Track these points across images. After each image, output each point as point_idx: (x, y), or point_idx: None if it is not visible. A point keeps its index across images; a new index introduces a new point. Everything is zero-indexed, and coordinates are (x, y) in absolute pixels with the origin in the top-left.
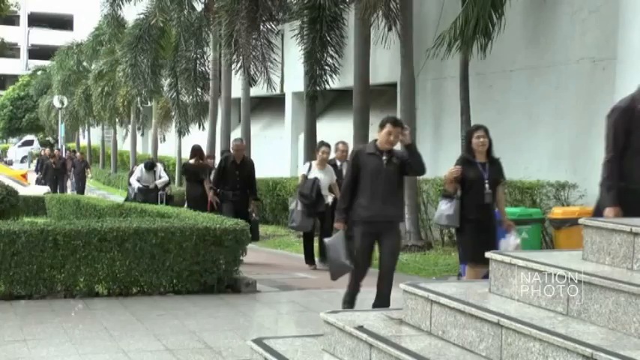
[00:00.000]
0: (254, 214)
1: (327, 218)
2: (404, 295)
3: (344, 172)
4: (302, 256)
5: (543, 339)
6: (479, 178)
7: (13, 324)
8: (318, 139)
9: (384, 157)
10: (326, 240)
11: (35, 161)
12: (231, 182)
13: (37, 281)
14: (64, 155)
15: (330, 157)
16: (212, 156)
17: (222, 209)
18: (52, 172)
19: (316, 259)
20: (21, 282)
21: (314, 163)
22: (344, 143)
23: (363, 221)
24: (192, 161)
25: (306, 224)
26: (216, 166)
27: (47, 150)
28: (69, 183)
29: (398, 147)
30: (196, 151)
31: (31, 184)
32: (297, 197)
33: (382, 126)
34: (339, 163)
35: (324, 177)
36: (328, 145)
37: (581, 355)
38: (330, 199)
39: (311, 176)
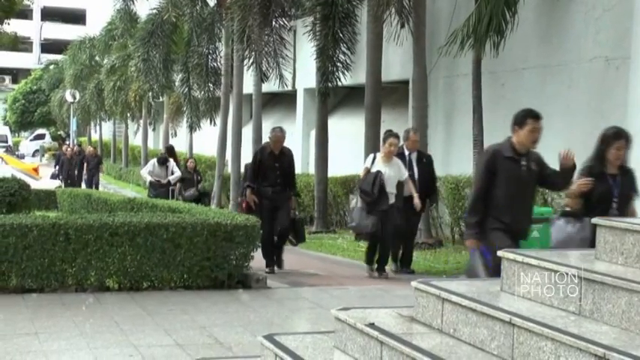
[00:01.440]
0: (296, 212)
1: (390, 218)
2: (415, 292)
3: (414, 163)
4: (356, 261)
5: (555, 338)
6: (607, 194)
7: (25, 317)
8: (330, 135)
9: (523, 163)
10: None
11: (55, 157)
12: (271, 177)
13: (49, 275)
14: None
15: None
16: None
17: (261, 209)
18: (68, 166)
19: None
20: (32, 275)
21: (378, 155)
22: (415, 131)
23: (503, 230)
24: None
25: (365, 224)
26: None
27: (75, 147)
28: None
29: None
30: (169, 149)
31: (43, 177)
32: (358, 193)
33: (520, 123)
34: (407, 152)
35: (389, 171)
36: (397, 136)
37: (594, 354)
38: (392, 197)
39: (374, 170)
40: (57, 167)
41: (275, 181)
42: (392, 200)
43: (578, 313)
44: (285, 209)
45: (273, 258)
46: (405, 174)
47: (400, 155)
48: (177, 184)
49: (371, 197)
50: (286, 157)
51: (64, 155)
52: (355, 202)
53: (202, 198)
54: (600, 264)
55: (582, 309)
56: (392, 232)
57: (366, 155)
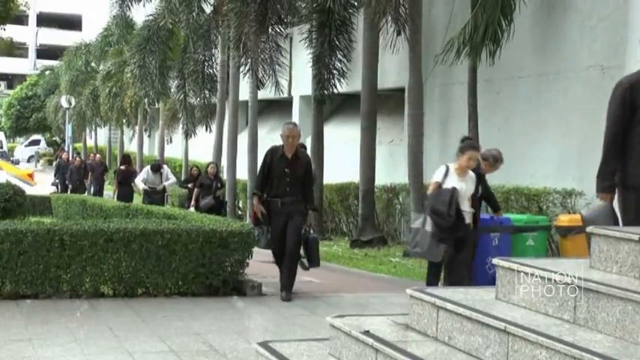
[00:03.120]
0: (311, 230)
1: (466, 245)
2: (410, 300)
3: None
4: (351, 269)
5: (550, 346)
6: None
7: (19, 323)
8: (325, 143)
9: None
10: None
11: (56, 166)
12: (279, 185)
13: (43, 281)
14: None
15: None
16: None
17: (271, 222)
18: (77, 176)
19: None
20: (27, 281)
21: (451, 166)
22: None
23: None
24: (122, 167)
25: (436, 253)
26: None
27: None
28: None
29: None
30: (126, 158)
31: (39, 184)
32: (428, 213)
33: None
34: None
35: (464, 187)
36: (476, 148)
37: None
38: (468, 217)
39: (447, 185)
40: (58, 177)
41: (284, 191)
42: (468, 220)
43: (572, 321)
44: (294, 224)
45: (289, 280)
46: (474, 189)
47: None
48: (196, 190)
49: (446, 221)
50: (301, 162)
51: (72, 164)
52: (422, 222)
53: (219, 207)
54: (595, 272)
55: (577, 317)
56: (467, 260)
57: (362, 163)
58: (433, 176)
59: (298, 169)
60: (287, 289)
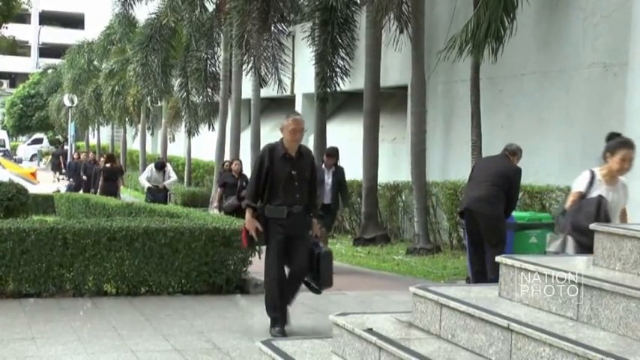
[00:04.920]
0: (320, 244)
1: None
2: (413, 298)
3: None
4: (354, 267)
5: (553, 344)
6: None
7: (22, 322)
8: (328, 141)
9: None
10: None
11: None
12: (285, 191)
13: (46, 280)
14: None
15: None
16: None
17: (267, 240)
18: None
19: None
20: (30, 280)
21: (597, 172)
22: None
23: None
24: (108, 165)
25: None
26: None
27: (91, 154)
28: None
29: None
30: (110, 157)
31: (40, 182)
32: (568, 231)
33: None
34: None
35: (615, 198)
36: (632, 146)
37: None
38: None
39: (594, 194)
40: (72, 179)
41: (292, 198)
42: None
43: (576, 318)
44: (305, 242)
45: (284, 311)
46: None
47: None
48: (219, 190)
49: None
50: (305, 160)
51: (96, 165)
52: (561, 245)
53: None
54: (598, 270)
55: (580, 315)
56: None
57: (365, 161)
58: (574, 184)
59: (305, 170)
60: (282, 322)
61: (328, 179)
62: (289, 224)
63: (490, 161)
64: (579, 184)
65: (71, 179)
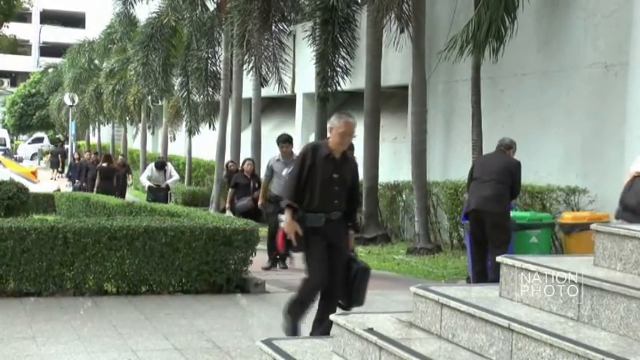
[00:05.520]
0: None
1: None
2: (414, 298)
3: None
4: None
5: (554, 344)
6: None
7: (22, 321)
8: None
9: None
10: None
11: (68, 164)
12: (324, 196)
13: (47, 279)
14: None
15: None
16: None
17: (308, 246)
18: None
19: None
20: (30, 279)
21: None
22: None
23: None
24: (104, 164)
25: None
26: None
27: (93, 155)
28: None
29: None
30: (107, 157)
31: (40, 181)
32: (619, 210)
33: None
34: None
35: None
36: None
37: None
38: None
39: None
40: (78, 180)
41: (331, 204)
42: None
43: (576, 319)
44: (342, 253)
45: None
46: None
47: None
48: (230, 191)
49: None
50: (349, 165)
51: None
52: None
53: (257, 212)
54: (599, 270)
55: (581, 315)
56: None
57: (366, 161)
58: (633, 165)
59: (347, 175)
60: (298, 327)
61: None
62: (327, 232)
63: (489, 159)
64: (637, 164)
65: (77, 180)
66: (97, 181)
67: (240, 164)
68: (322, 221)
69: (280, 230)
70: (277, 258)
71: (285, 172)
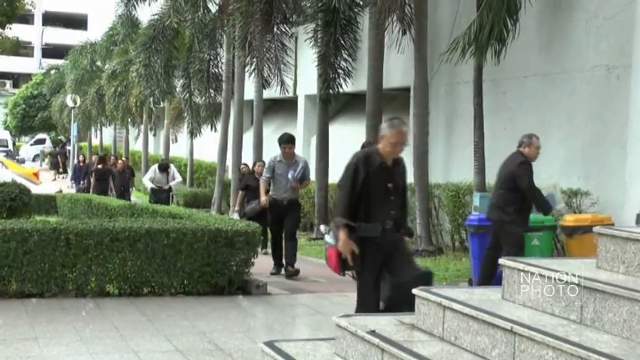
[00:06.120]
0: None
1: None
2: (416, 300)
3: None
4: None
5: (557, 347)
6: None
7: (25, 322)
8: (330, 142)
9: None
10: None
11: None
12: (380, 206)
13: (49, 280)
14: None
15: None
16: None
17: (363, 263)
18: (120, 180)
19: None
20: (32, 280)
21: None
22: (538, 138)
23: None
24: (100, 166)
25: None
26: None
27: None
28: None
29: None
30: (102, 158)
31: (43, 182)
32: None
33: None
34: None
35: None
36: None
37: None
38: None
39: None
40: (83, 181)
41: (386, 214)
42: None
43: (579, 321)
44: (404, 251)
45: None
46: None
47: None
48: (240, 193)
49: None
50: (400, 169)
51: (115, 168)
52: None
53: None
54: (602, 273)
55: (583, 318)
56: None
57: None
58: None
59: (400, 181)
60: None
61: None
62: (384, 242)
63: (503, 163)
64: None
65: (82, 182)
66: (92, 182)
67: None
68: (378, 231)
69: (331, 249)
70: (282, 264)
71: (290, 174)
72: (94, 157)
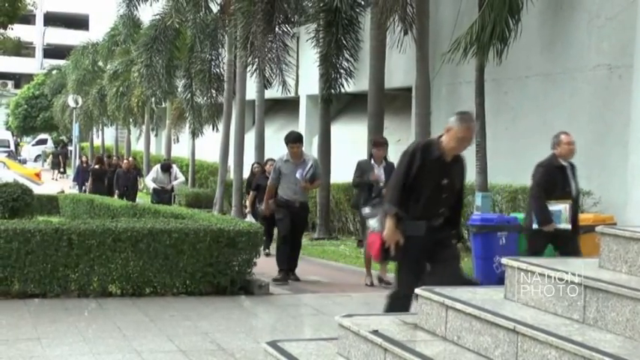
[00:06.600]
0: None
1: None
2: (419, 300)
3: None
4: (358, 268)
5: (559, 346)
6: None
7: (27, 322)
8: (332, 142)
9: None
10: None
11: (75, 169)
12: (430, 201)
13: (51, 280)
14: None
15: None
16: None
17: (405, 257)
18: (124, 180)
19: None
20: (35, 281)
21: None
22: (568, 135)
23: None
24: (96, 166)
25: None
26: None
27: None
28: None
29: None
30: (99, 159)
31: (45, 182)
32: None
33: None
34: (563, 163)
35: None
36: None
37: None
38: None
39: None
40: (87, 183)
41: (434, 212)
42: None
43: (582, 321)
44: (449, 247)
45: None
46: None
47: (560, 168)
48: (252, 194)
49: None
50: (459, 166)
51: (120, 167)
52: None
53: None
54: (604, 272)
55: (586, 317)
56: None
57: None
58: None
59: (456, 179)
60: None
61: (380, 175)
62: (427, 242)
63: None
64: None
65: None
66: (89, 183)
67: (250, 167)
68: (423, 230)
69: (375, 235)
70: (288, 271)
71: (299, 173)
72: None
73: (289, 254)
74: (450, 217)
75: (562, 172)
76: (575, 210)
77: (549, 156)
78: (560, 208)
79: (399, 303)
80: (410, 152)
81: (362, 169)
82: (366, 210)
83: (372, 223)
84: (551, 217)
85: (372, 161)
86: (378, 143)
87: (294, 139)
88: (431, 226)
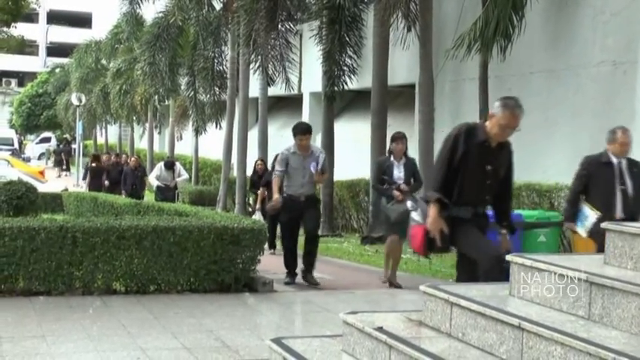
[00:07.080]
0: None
1: None
2: (424, 296)
3: (626, 175)
4: (362, 265)
5: (565, 343)
6: None
7: (32, 320)
8: (335, 139)
9: None
10: None
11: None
12: (473, 187)
13: (56, 278)
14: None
15: None
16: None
17: (458, 236)
18: (132, 178)
19: None
20: (40, 278)
21: None
22: (625, 131)
23: None
24: (93, 164)
25: None
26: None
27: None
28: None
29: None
30: (96, 157)
31: (49, 180)
32: None
33: None
34: (615, 160)
35: None
36: None
37: (604, 359)
38: None
39: None
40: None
41: (479, 199)
42: None
43: (587, 317)
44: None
45: None
46: None
47: (607, 164)
48: (261, 190)
49: None
50: (505, 154)
51: (127, 166)
52: None
53: None
54: (610, 269)
55: (592, 314)
56: None
57: (373, 159)
58: None
59: (502, 166)
60: None
61: (399, 173)
62: (480, 225)
63: None
64: None
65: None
66: (87, 180)
67: (254, 164)
68: (469, 214)
69: (417, 227)
70: (297, 273)
71: (312, 166)
72: (104, 157)
73: (304, 253)
74: (499, 208)
75: (609, 169)
76: (633, 211)
77: (605, 151)
78: (588, 214)
79: (493, 271)
80: (453, 136)
81: (381, 168)
82: (409, 204)
83: (414, 216)
84: (571, 217)
85: (392, 158)
86: (396, 137)
87: (302, 131)
88: (476, 212)
